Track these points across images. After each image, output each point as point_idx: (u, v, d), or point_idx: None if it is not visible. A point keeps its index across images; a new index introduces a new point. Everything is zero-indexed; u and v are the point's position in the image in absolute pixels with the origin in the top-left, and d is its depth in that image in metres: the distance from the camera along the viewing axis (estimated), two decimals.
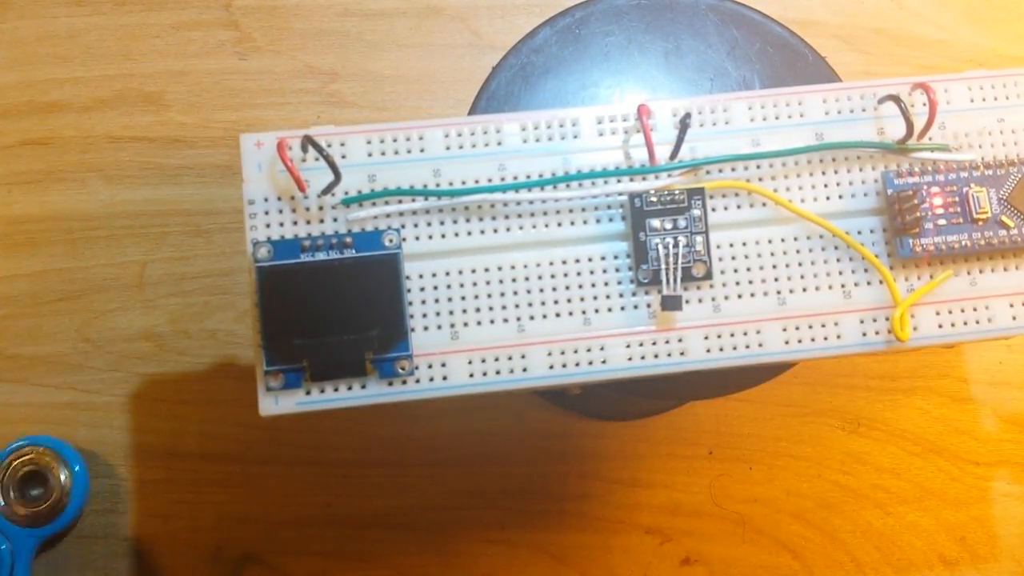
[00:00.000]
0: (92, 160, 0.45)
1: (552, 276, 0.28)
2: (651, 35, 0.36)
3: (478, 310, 0.28)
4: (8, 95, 0.46)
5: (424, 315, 0.28)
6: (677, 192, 0.28)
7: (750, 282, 0.29)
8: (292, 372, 0.27)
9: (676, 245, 0.28)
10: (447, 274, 0.28)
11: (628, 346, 0.28)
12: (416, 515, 0.43)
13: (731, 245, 0.29)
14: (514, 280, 0.28)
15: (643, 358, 0.28)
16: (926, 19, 0.50)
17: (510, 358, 0.28)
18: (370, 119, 0.46)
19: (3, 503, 0.40)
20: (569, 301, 0.28)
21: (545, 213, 0.29)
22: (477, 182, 0.28)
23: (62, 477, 0.40)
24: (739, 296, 0.29)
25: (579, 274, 0.28)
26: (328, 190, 0.28)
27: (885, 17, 0.49)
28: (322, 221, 0.28)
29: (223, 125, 0.46)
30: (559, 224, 0.29)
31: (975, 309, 0.29)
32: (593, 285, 0.28)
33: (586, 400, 0.44)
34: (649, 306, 0.28)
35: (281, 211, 0.28)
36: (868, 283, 0.29)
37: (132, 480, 0.43)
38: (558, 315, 0.28)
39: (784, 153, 0.29)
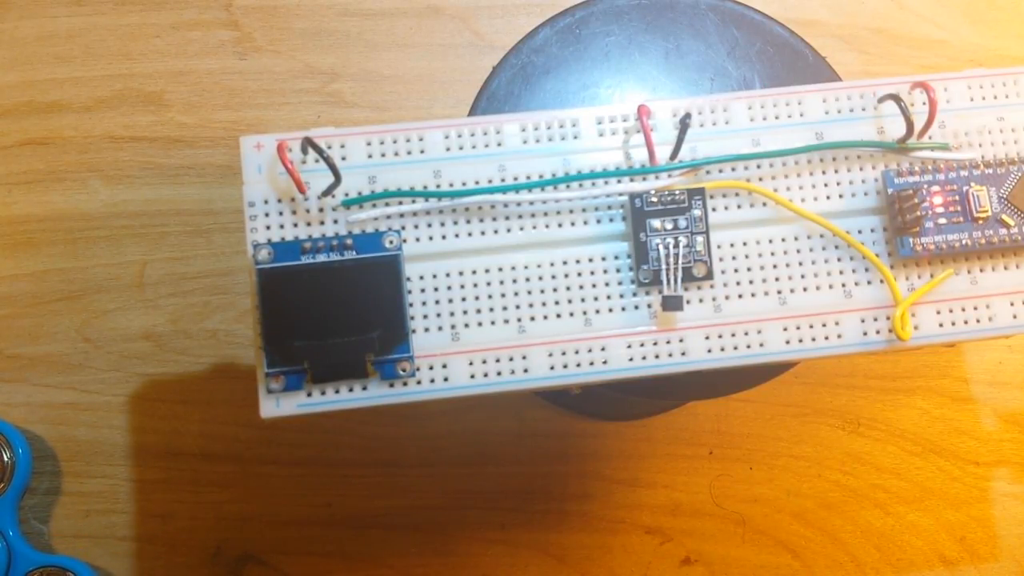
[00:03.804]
0: (92, 160, 0.45)
1: (553, 277, 0.28)
2: (651, 35, 0.36)
3: (479, 311, 0.28)
4: (8, 95, 0.46)
5: (425, 316, 0.28)
6: (677, 192, 0.28)
7: (751, 282, 0.29)
8: (293, 374, 0.27)
9: (677, 245, 0.28)
10: (448, 275, 0.28)
11: (629, 346, 0.28)
12: (416, 515, 0.43)
13: (732, 245, 0.29)
14: (515, 281, 0.28)
15: (644, 358, 0.28)
16: (926, 19, 0.50)
17: (511, 359, 0.28)
18: (370, 119, 0.46)
19: None
20: (570, 302, 0.28)
21: (545, 214, 0.29)
22: (477, 183, 0.28)
23: None
24: (740, 296, 0.29)
25: (580, 275, 0.28)
26: (328, 192, 0.28)
27: (885, 17, 0.49)
28: (322, 223, 0.28)
29: (223, 125, 0.46)
30: (559, 225, 0.29)
31: (976, 308, 0.29)
32: (594, 286, 0.28)
33: (586, 400, 0.44)
34: (650, 306, 0.28)
35: (281, 213, 0.28)
36: (869, 282, 0.29)
37: (132, 480, 0.43)
38: (559, 316, 0.28)
39: (784, 153, 0.29)
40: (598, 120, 0.29)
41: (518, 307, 0.28)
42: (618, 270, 0.29)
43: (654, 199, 0.28)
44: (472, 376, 0.28)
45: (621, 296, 0.28)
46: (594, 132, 0.29)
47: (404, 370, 0.27)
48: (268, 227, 0.28)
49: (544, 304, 0.28)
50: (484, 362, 0.28)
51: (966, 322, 0.29)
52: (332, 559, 0.43)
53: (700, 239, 0.28)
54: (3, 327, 0.44)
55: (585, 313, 0.28)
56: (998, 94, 0.31)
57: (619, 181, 0.29)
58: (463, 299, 0.28)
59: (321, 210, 0.28)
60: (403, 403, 0.27)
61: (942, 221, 0.29)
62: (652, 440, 0.45)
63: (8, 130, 0.45)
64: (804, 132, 0.30)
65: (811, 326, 0.29)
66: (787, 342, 0.29)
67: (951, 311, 0.29)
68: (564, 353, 0.28)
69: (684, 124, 0.28)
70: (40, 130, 0.45)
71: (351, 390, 0.27)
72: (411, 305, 0.28)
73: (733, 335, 0.29)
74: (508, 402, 0.44)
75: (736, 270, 0.29)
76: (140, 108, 0.46)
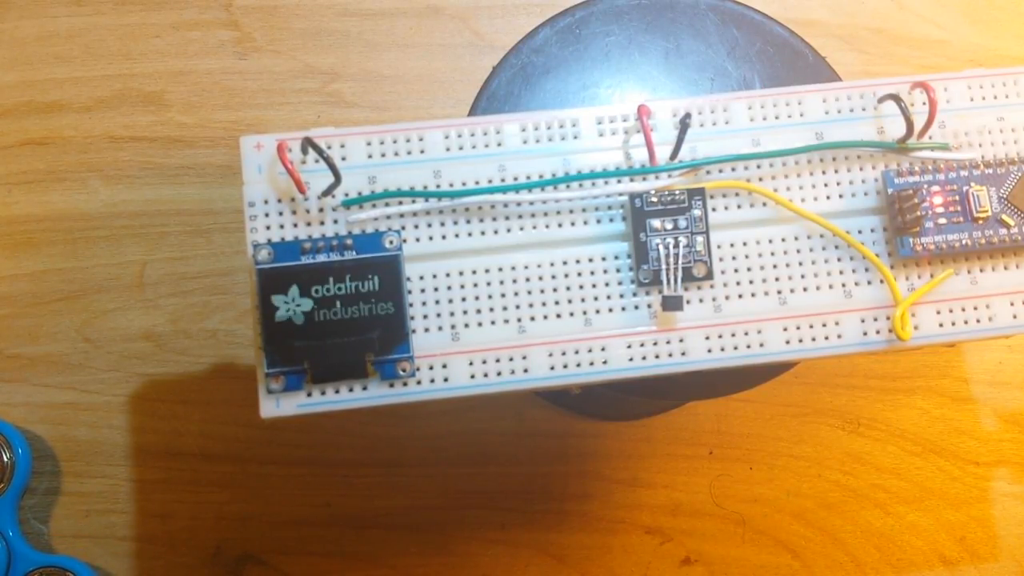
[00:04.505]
0: (92, 160, 0.45)
1: (553, 277, 0.28)
2: (651, 35, 0.36)
3: (479, 311, 0.28)
4: (8, 95, 0.46)
5: (425, 316, 0.28)
6: (677, 192, 0.28)
7: (751, 282, 0.29)
8: (293, 374, 0.27)
9: (677, 245, 0.28)
10: (448, 275, 0.28)
11: (629, 346, 0.28)
12: (416, 515, 0.43)
13: (732, 245, 0.29)
14: (515, 281, 0.28)
15: (644, 358, 0.28)
16: (926, 19, 0.50)
17: (511, 359, 0.28)
18: (370, 119, 0.46)
19: None
20: (570, 302, 0.28)
21: (545, 214, 0.29)
22: (477, 183, 0.28)
23: None
24: (740, 296, 0.29)
25: (580, 275, 0.28)
26: (328, 192, 0.28)
27: (885, 17, 0.49)
28: (322, 223, 0.28)
29: (223, 125, 0.46)
30: (559, 225, 0.29)
31: (976, 308, 0.29)
32: (594, 286, 0.28)
33: (586, 400, 0.44)
34: (650, 306, 0.28)
35: (281, 213, 0.28)
36: (869, 282, 0.29)
37: (132, 480, 0.43)
38: (559, 316, 0.28)
39: (784, 153, 0.29)
40: (598, 120, 0.29)
41: (518, 307, 0.28)
42: (618, 270, 0.29)
43: (654, 199, 0.28)
44: (472, 376, 0.28)
45: (621, 296, 0.28)
46: (594, 132, 0.29)
47: (404, 370, 0.27)
48: (268, 227, 0.28)
49: (544, 304, 0.28)
50: (484, 362, 0.28)
51: (966, 322, 0.29)
52: (332, 559, 0.43)
53: (700, 239, 0.28)
54: (3, 327, 0.44)
55: (585, 313, 0.28)
56: (998, 94, 0.31)
57: (619, 181, 0.29)
58: (463, 299, 0.28)
59: (321, 210, 0.28)
60: (403, 403, 0.27)
61: (942, 221, 0.29)
62: (652, 440, 0.45)
63: (8, 130, 0.45)
64: (804, 132, 0.30)
65: (811, 326, 0.29)
66: (787, 342, 0.29)
67: (951, 311, 0.29)
68: (564, 353, 0.28)
69: (684, 124, 0.28)
70: (40, 130, 0.45)
71: (351, 390, 0.27)
72: (411, 305, 0.28)
73: (733, 335, 0.29)
74: (508, 402, 0.44)
75: (736, 270, 0.29)
76: (140, 108, 0.46)
